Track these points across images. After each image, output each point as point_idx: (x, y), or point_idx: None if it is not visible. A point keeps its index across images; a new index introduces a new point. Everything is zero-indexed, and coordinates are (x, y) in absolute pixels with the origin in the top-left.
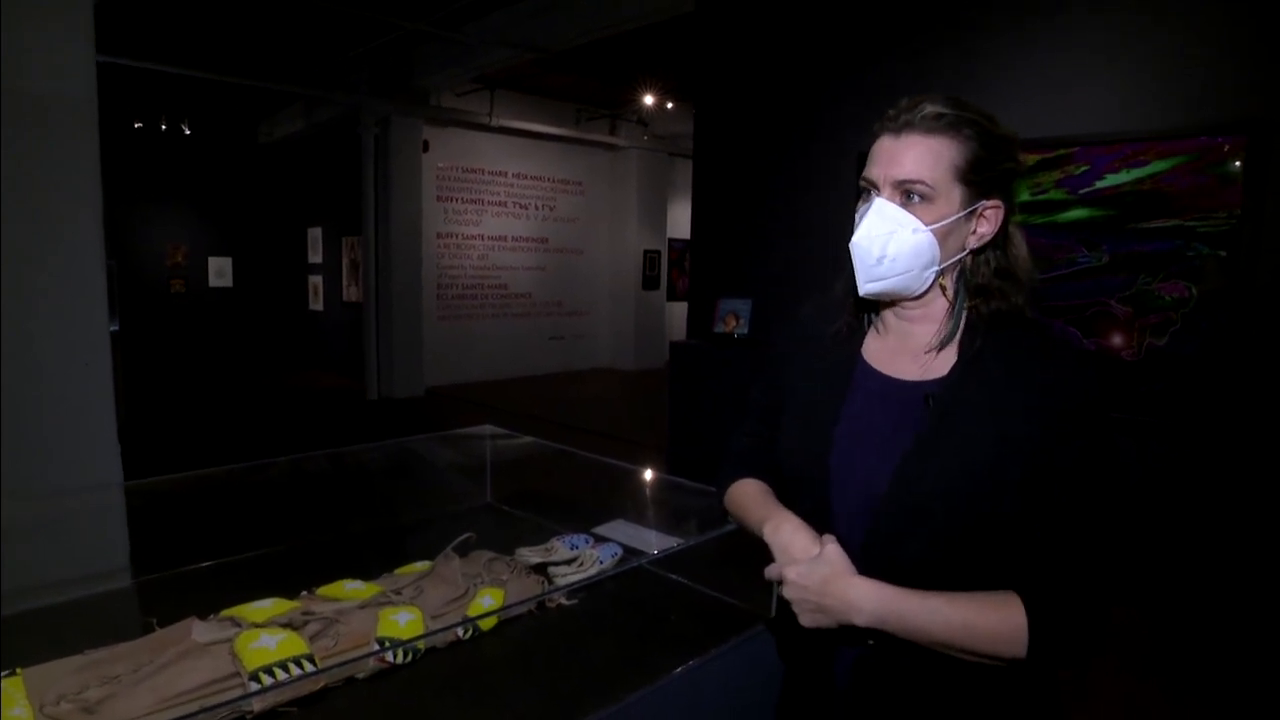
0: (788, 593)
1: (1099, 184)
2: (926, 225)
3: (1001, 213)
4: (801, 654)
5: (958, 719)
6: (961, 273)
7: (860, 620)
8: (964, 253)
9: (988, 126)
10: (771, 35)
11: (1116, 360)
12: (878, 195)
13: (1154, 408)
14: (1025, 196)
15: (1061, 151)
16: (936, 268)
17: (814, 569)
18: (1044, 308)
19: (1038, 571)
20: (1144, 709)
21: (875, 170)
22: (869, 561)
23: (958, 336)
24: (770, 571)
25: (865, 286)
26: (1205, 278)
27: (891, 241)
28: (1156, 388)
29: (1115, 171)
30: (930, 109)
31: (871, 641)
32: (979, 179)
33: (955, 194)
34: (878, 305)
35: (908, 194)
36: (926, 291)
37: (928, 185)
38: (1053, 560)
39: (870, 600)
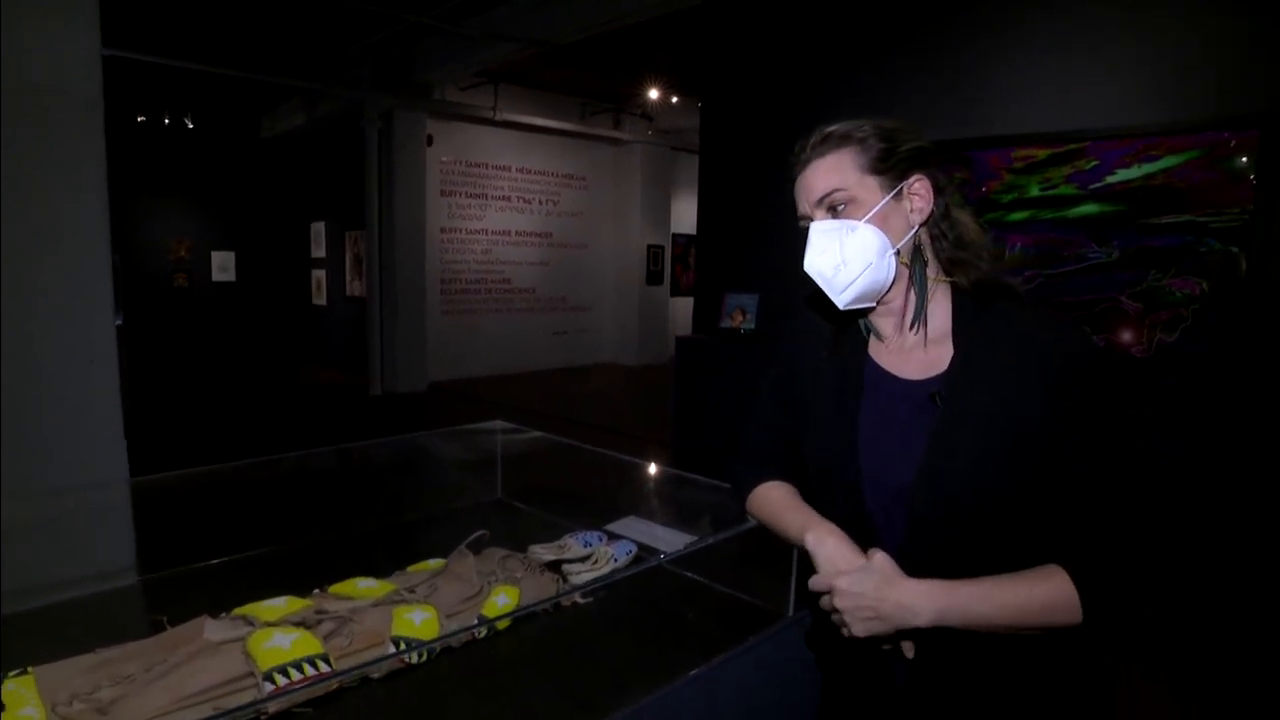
0: (840, 602)
1: (1109, 179)
2: (862, 219)
3: (928, 186)
4: (849, 659)
5: (1013, 706)
6: (917, 249)
7: (920, 621)
8: (912, 230)
9: (876, 124)
10: (778, 29)
11: (1126, 356)
12: (811, 223)
13: (1164, 404)
14: (1035, 191)
15: (1072, 146)
16: (893, 249)
17: (865, 576)
18: (1053, 303)
19: (1073, 538)
20: (1151, 708)
21: (800, 205)
22: (911, 557)
23: (949, 328)
24: (816, 583)
25: (841, 300)
26: (1217, 273)
27: (840, 248)
28: (1167, 384)
29: (1126, 166)
30: (817, 136)
31: (910, 657)
32: (888, 165)
33: (872, 184)
34: (862, 314)
35: (832, 208)
36: (895, 279)
37: (842, 189)
38: (1084, 524)
39: (928, 599)
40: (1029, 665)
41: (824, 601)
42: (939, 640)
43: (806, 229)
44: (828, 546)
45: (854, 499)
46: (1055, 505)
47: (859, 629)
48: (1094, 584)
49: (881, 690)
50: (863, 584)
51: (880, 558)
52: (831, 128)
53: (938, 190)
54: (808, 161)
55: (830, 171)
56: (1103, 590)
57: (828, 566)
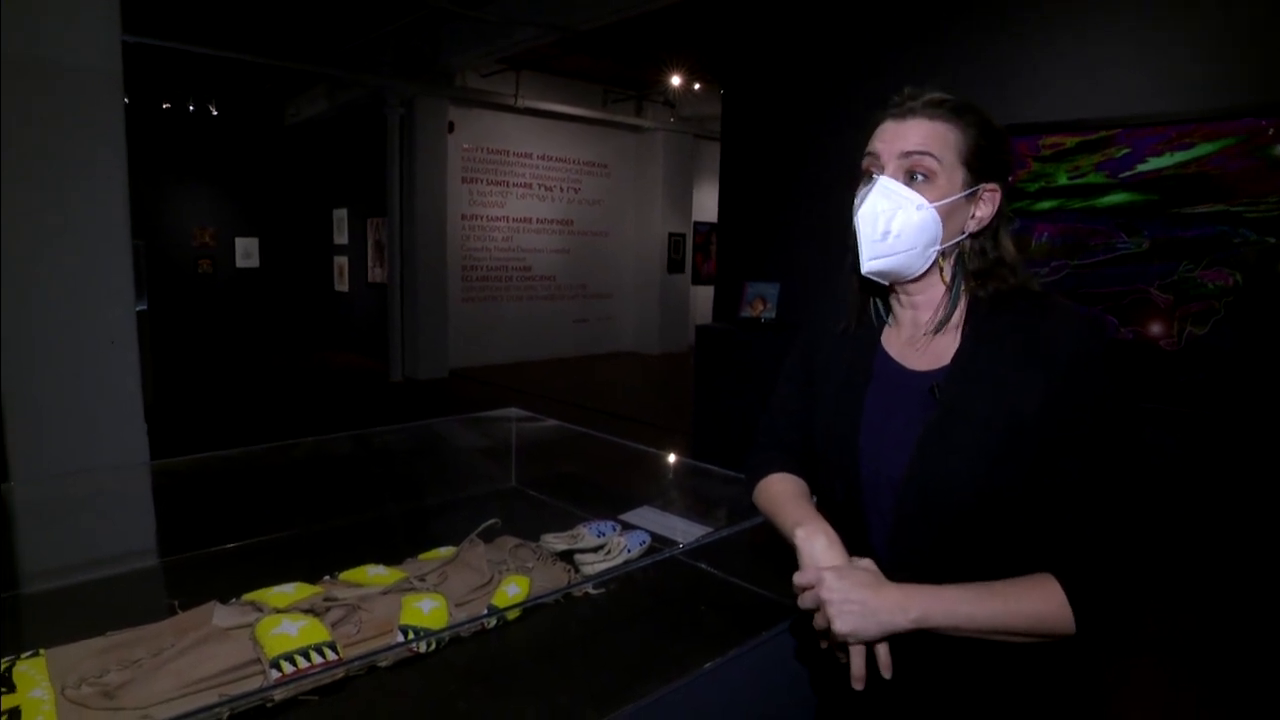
0: (826, 595)
1: (1140, 167)
2: (931, 203)
3: (999, 197)
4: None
5: (999, 705)
6: (960, 257)
7: (906, 618)
8: (963, 235)
9: (986, 117)
10: (802, 15)
11: (1155, 349)
12: (881, 175)
13: (1194, 399)
14: (1063, 180)
15: (1102, 134)
16: (938, 247)
17: (852, 572)
18: (1080, 294)
19: (1065, 546)
20: (1165, 706)
21: (879, 146)
22: (899, 549)
23: (960, 322)
24: (802, 577)
25: (868, 264)
26: (1251, 265)
27: (896, 218)
28: (1197, 378)
29: (1158, 154)
30: (932, 95)
31: (888, 678)
32: (979, 164)
33: (957, 174)
34: (882, 290)
35: (911, 174)
36: (925, 274)
37: (934, 158)
38: (1078, 532)
39: (915, 599)
40: (1021, 664)
41: (805, 598)
42: (928, 640)
43: (871, 176)
44: (816, 545)
45: (851, 485)
46: (1050, 507)
47: (843, 624)
48: (1087, 594)
49: (875, 691)
50: (851, 577)
51: (866, 562)
52: (948, 96)
53: (1000, 207)
54: (911, 112)
55: (930, 135)
56: (1096, 601)
57: (810, 564)
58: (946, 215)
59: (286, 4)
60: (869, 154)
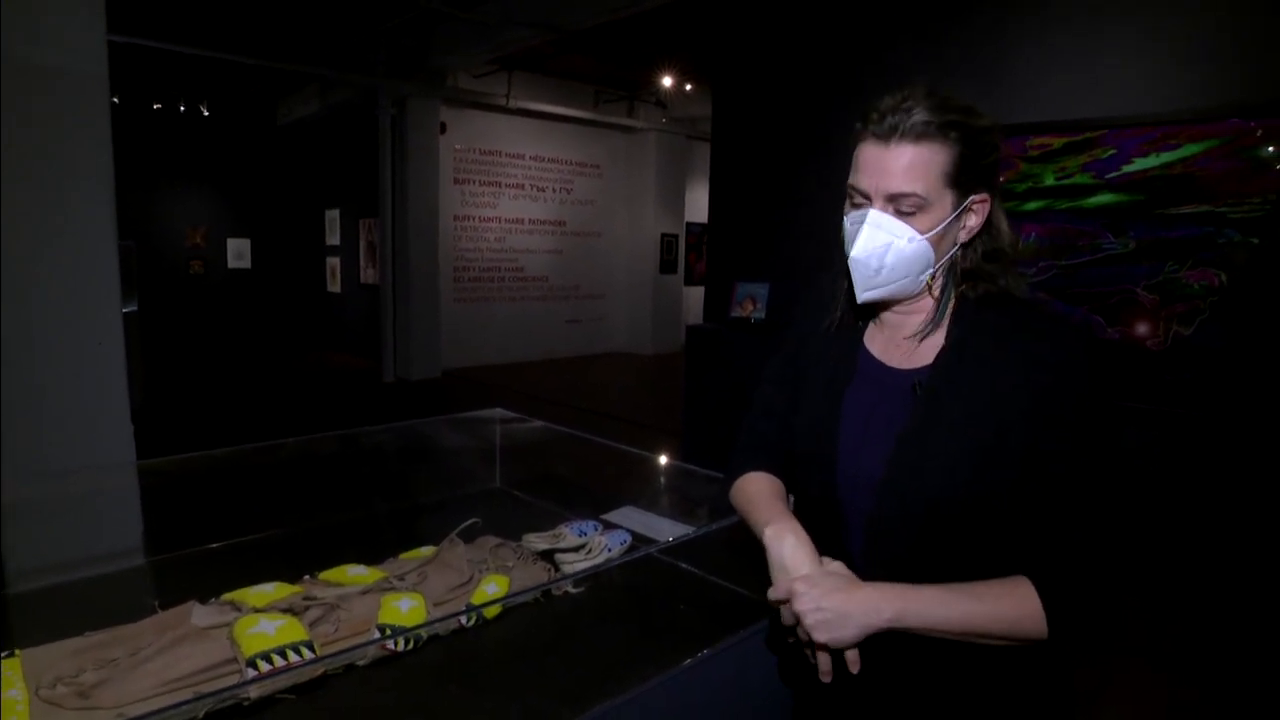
0: (799, 605)
1: (1126, 168)
2: (922, 234)
3: (988, 204)
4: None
5: (973, 707)
6: (952, 266)
7: (881, 619)
8: (955, 248)
9: (971, 123)
10: (792, 15)
11: (1141, 350)
12: (870, 207)
13: (1180, 399)
14: (1050, 180)
15: (1088, 135)
16: (931, 269)
17: (823, 579)
18: (1067, 294)
19: (1042, 550)
20: (1152, 703)
21: (866, 181)
22: (872, 547)
23: (946, 323)
24: (776, 592)
25: (864, 295)
26: (1236, 265)
27: (889, 252)
28: (1184, 378)
29: (1144, 155)
30: (918, 116)
31: (855, 672)
32: (966, 179)
33: (947, 199)
34: (874, 306)
35: (899, 209)
36: (919, 293)
37: (921, 197)
38: (1055, 537)
39: (890, 598)
40: (994, 661)
41: (784, 614)
42: (903, 640)
43: (861, 209)
44: (785, 545)
45: (827, 484)
46: (1028, 511)
47: (821, 634)
48: (1061, 599)
49: (844, 681)
50: (822, 585)
51: (837, 565)
52: (930, 114)
53: (991, 206)
54: (896, 135)
55: (915, 167)
56: (1070, 606)
57: (779, 567)
58: (939, 240)
59: (278, 4)
60: (855, 189)
